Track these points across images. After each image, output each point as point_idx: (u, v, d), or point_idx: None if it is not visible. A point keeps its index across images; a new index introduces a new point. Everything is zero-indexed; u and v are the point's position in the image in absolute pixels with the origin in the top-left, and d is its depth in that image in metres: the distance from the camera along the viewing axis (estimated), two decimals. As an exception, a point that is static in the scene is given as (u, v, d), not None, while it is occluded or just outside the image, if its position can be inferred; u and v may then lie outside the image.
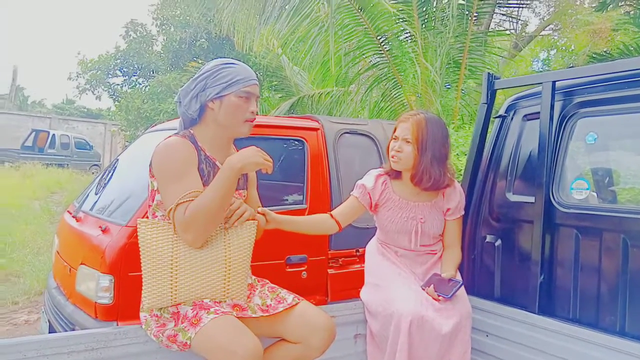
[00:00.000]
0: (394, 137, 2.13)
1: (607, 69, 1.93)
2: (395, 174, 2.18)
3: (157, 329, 1.64)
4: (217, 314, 1.57)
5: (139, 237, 1.63)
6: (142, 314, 1.70)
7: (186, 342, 1.55)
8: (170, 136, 1.71)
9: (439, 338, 1.90)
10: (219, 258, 1.66)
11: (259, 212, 1.85)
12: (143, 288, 1.62)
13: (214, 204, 1.56)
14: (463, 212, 2.23)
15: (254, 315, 1.71)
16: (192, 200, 1.56)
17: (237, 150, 1.87)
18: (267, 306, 1.76)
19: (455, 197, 2.18)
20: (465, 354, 1.98)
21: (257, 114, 1.77)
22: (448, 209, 2.18)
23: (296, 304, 1.77)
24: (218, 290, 1.66)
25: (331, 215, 2.16)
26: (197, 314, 1.58)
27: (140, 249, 1.63)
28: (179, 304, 1.64)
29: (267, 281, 1.90)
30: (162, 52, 18.59)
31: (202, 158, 1.69)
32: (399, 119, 2.13)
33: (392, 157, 2.10)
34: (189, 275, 1.61)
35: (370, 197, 2.17)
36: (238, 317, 1.65)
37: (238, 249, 1.70)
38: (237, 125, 1.73)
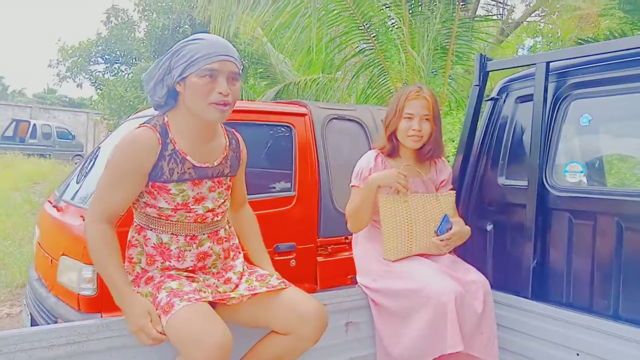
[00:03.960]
0: (406, 116, 2.03)
1: (601, 48, 1.89)
2: (390, 151, 2.11)
3: None
4: (190, 301, 1.47)
5: (380, 210, 2.02)
6: None
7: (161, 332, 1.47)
8: (140, 125, 1.56)
9: (474, 314, 1.90)
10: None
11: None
12: (386, 243, 2.04)
13: (102, 274, 1.56)
14: (452, 186, 2.22)
15: (239, 294, 1.62)
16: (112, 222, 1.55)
17: (227, 134, 1.72)
18: (253, 287, 1.67)
19: (447, 169, 2.22)
20: (493, 327, 1.97)
21: (235, 95, 1.52)
22: (442, 180, 2.18)
23: (282, 288, 1.66)
24: (427, 244, 2.06)
25: None
26: (170, 300, 1.48)
27: (382, 218, 2.03)
28: (159, 288, 1.55)
29: (258, 269, 1.81)
30: (144, 38, 18.23)
31: (167, 153, 1.52)
32: (407, 97, 2.04)
33: (411, 136, 2.03)
34: (421, 232, 2.04)
35: None
36: (221, 301, 1.57)
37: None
38: (202, 109, 1.50)
